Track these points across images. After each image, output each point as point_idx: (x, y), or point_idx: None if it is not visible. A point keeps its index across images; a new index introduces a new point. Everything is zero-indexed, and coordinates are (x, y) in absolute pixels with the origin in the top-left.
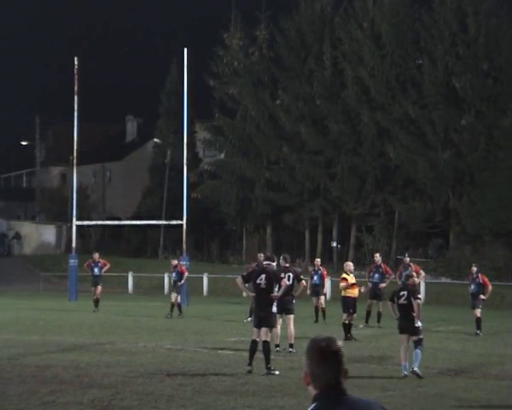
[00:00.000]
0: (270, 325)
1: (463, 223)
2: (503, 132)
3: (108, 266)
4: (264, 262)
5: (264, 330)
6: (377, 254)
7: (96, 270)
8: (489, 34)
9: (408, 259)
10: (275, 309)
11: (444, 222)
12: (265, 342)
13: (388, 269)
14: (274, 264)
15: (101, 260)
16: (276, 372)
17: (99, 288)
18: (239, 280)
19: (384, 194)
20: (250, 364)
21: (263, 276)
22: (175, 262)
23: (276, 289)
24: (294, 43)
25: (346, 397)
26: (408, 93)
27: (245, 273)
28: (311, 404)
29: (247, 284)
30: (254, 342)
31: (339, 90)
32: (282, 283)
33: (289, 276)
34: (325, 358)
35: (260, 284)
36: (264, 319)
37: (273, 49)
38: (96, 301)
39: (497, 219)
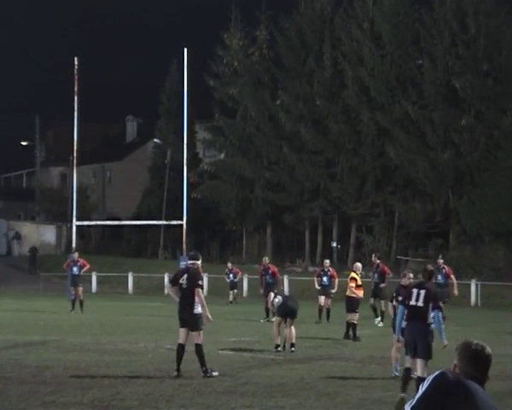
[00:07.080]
0: (195, 326)
1: (463, 223)
2: (503, 132)
3: (88, 266)
4: (189, 262)
5: (193, 333)
6: (373, 255)
7: (74, 269)
8: (489, 34)
9: (441, 261)
10: (198, 310)
11: (444, 222)
12: (197, 345)
13: (386, 268)
14: (199, 262)
15: (80, 260)
16: (215, 373)
17: (80, 289)
18: (168, 287)
19: (384, 194)
20: (177, 369)
21: (185, 276)
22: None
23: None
24: (294, 43)
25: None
26: (408, 93)
27: (172, 276)
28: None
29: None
30: (180, 346)
31: (339, 90)
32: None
33: None
34: (475, 360)
35: (182, 284)
36: (186, 320)
37: (273, 49)
38: (76, 302)
39: (497, 219)
